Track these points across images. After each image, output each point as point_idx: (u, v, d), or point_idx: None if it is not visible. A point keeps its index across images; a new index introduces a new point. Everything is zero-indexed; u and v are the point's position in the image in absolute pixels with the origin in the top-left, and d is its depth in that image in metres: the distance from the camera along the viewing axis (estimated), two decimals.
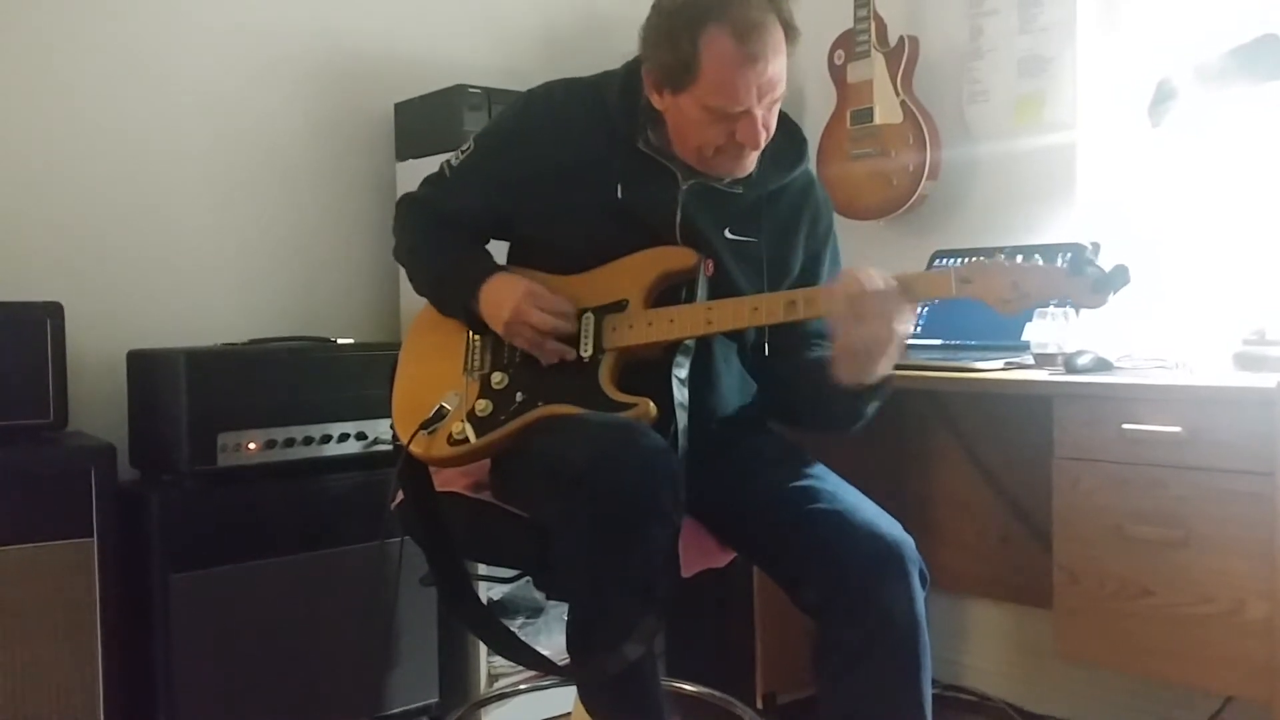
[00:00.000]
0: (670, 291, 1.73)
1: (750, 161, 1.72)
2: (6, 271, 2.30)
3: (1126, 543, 1.91)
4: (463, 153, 1.84)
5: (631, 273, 1.72)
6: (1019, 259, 1.59)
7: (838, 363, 1.63)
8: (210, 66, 2.57)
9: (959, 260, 2.38)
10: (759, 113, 1.63)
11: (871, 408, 1.72)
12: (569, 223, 1.74)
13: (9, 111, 2.34)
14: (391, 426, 1.77)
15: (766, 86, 1.62)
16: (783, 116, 1.74)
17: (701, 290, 1.70)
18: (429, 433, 1.69)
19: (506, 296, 1.70)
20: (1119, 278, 1.52)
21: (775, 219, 1.79)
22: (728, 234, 1.76)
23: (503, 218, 1.81)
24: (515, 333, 1.70)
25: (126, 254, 2.46)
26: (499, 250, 1.87)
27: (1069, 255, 1.56)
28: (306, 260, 2.69)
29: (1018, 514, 2.46)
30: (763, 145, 1.68)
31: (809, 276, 1.82)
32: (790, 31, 1.63)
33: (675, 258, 1.73)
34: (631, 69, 1.75)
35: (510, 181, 1.78)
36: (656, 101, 1.69)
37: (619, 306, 1.71)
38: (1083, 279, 1.53)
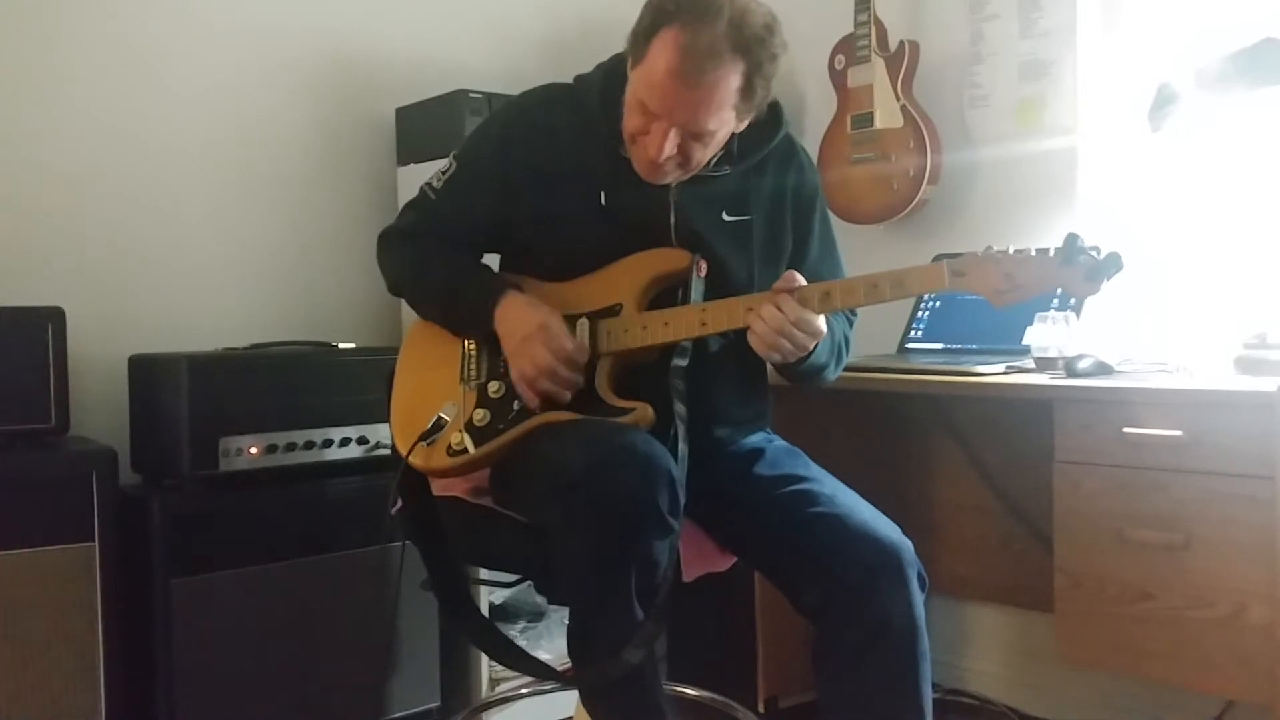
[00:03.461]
0: (665, 294, 1.73)
1: (660, 174, 1.68)
2: (8, 276, 2.30)
3: (1127, 546, 1.91)
4: (443, 173, 1.82)
5: (625, 276, 1.72)
6: (1011, 250, 1.59)
7: (753, 343, 1.66)
8: (211, 71, 2.58)
9: None
10: (673, 131, 1.60)
11: (823, 367, 1.78)
12: (557, 230, 1.74)
13: (10, 117, 2.35)
14: (390, 438, 1.76)
15: (688, 112, 1.59)
16: None
17: (695, 291, 1.70)
18: (428, 444, 1.69)
19: (521, 326, 1.68)
20: (1112, 265, 1.53)
21: (764, 191, 1.80)
22: (725, 216, 1.76)
23: (494, 228, 1.80)
24: (529, 382, 1.67)
25: (128, 259, 2.47)
26: (490, 263, 1.86)
27: (1061, 245, 1.56)
28: (308, 265, 2.70)
29: (1019, 518, 2.46)
30: (671, 165, 1.65)
31: (798, 258, 1.83)
32: (749, 86, 1.59)
33: (668, 260, 1.73)
34: (608, 71, 1.76)
35: (496, 193, 1.77)
36: (629, 67, 1.68)
37: (613, 311, 1.71)
38: (1075, 268, 1.54)
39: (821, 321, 1.65)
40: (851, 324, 1.93)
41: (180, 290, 2.53)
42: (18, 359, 2.07)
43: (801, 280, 1.66)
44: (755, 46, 1.57)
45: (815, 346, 1.68)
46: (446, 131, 2.50)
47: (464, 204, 1.80)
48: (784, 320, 1.62)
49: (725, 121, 1.63)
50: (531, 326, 1.67)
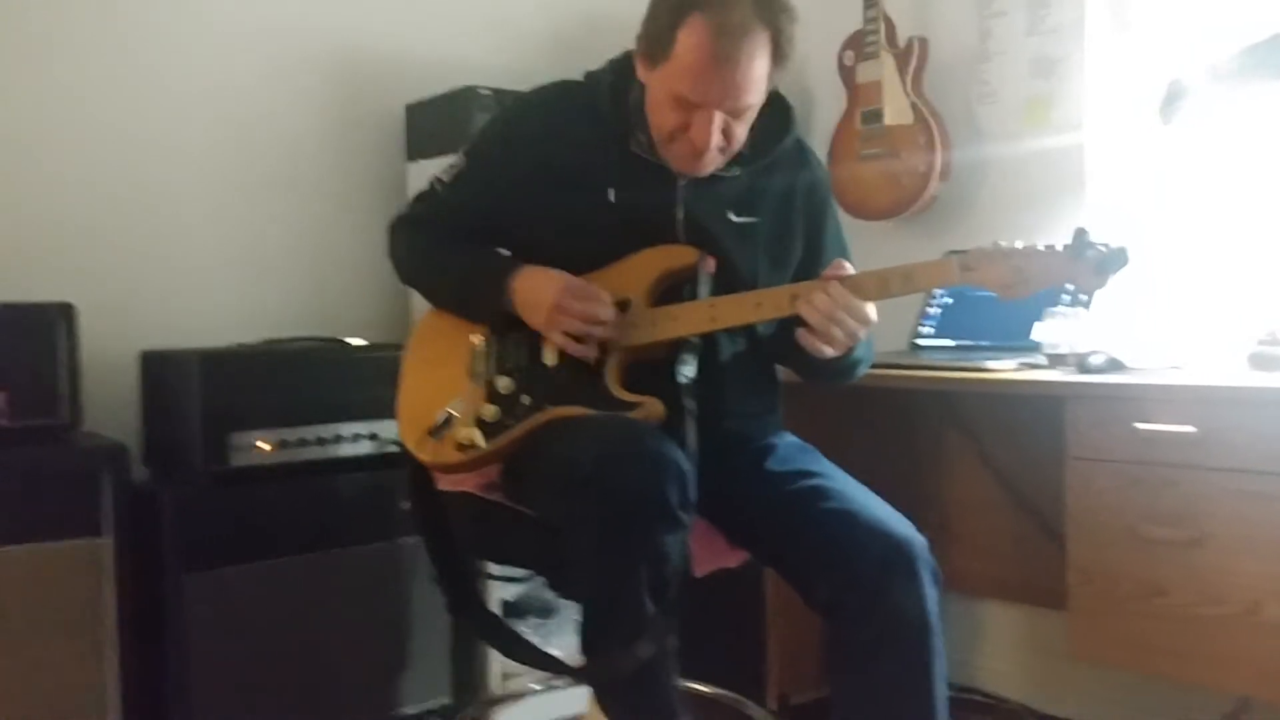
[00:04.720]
0: (673, 290, 1.73)
1: (704, 164, 1.70)
2: (19, 272, 2.31)
3: (1140, 543, 1.90)
4: (452, 168, 1.83)
5: (633, 273, 1.72)
6: (1018, 244, 1.59)
7: (804, 339, 1.65)
8: (222, 67, 2.58)
9: None
10: (718, 115, 1.62)
11: (858, 362, 1.80)
12: (565, 227, 1.74)
13: (21, 111, 2.35)
14: (398, 435, 1.76)
15: (732, 92, 1.60)
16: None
17: (703, 287, 1.70)
18: (436, 440, 1.69)
19: (544, 289, 1.68)
20: (1119, 259, 1.54)
21: (772, 192, 1.79)
22: (732, 217, 1.76)
23: (501, 225, 1.80)
24: (557, 324, 1.68)
25: (139, 254, 2.47)
26: None
27: (1070, 239, 1.57)
28: (318, 261, 2.70)
29: (1031, 514, 2.46)
30: (715, 150, 1.66)
31: (812, 255, 1.83)
32: (779, 52, 1.61)
33: (676, 256, 1.73)
34: (618, 68, 1.76)
35: (506, 188, 1.77)
36: (639, 71, 1.69)
37: (622, 307, 1.71)
38: (1084, 261, 1.55)
39: (872, 309, 1.64)
40: None
41: (191, 286, 2.53)
42: (29, 354, 2.07)
43: (850, 268, 1.66)
44: (777, 13, 1.59)
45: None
46: (456, 127, 2.50)
47: (471, 200, 1.80)
48: (835, 306, 1.61)
49: (762, 93, 1.64)
50: (551, 294, 1.67)
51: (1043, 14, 2.56)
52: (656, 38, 1.62)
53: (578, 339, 1.68)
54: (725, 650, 2.54)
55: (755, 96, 1.63)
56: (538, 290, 1.69)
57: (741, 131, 1.68)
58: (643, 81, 1.70)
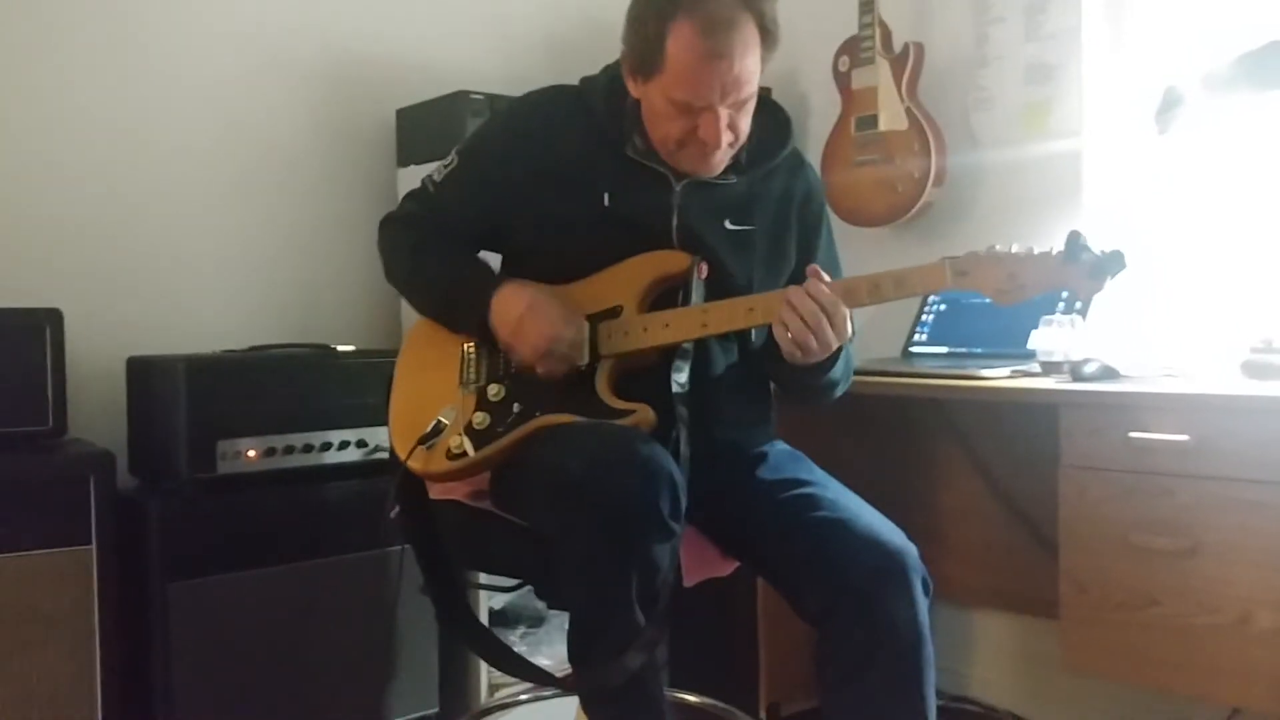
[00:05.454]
0: (665, 296, 1.72)
1: (716, 161, 1.70)
2: (5, 278, 2.30)
3: (1134, 552, 1.89)
4: (445, 166, 1.81)
5: (625, 278, 1.71)
6: (1013, 248, 1.57)
7: (779, 336, 1.63)
8: (211, 72, 2.57)
9: None
10: (723, 111, 1.62)
11: (835, 384, 1.78)
12: (558, 231, 1.73)
13: (9, 116, 2.34)
14: (389, 443, 1.75)
15: (732, 85, 1.60)
16: (764, 97, 1.74)
17: (696, 293, 1.69)
18: (427, 448, 1.67)
19: (510, 309, 1.68)
20: (1115, 263, 1.53)
21: (769, 201, 1.79)
22: (728, 224, 1.75)
23: (493, 227, 1.79)
24: (514, 349, 1.68)
25: (126, 260, 2.46)
26: (491, 261, 1.84)
27: (1063, 243, 1.55)
28: (307, 267, 2.69)
29: (1024, 523, 2.45)
30: (725, 145, 1.67)
31: (805, 265, 1.81)
32: (767, 35, 1.62)
33: (668, 262, 1.71)
34: (614, 74, 1.75)
35: (497, 190, 1.76)
36: (631, 88, 1.69)
37: (614, 313, 1.70)
38: (1078, 266, 1.54)
39: (849, 320, 1.63)
40: (851, 340, 1.91)
41: (179, 292, 2.52)
42: (15, 361, 2.06)
43: (825, 276, 1.65)
44: None
45: (840, 350, 1.66)
46: (447, 133, 2.48)
47: (462, 199, 1.79)
48: (817, 310, 1.60)
49: (758, 79, 1.64)
50: (520, 309, 1.66)
51: (1040, 20, 2.56)
52: (644, 52, 1.62)
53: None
54: (716, 660, 2.53)
55: (754, 84, 1.64)
56: (506, 310, 1.68)
57: (745, 122, 1.68)
58: (636, 97, 1.70)
